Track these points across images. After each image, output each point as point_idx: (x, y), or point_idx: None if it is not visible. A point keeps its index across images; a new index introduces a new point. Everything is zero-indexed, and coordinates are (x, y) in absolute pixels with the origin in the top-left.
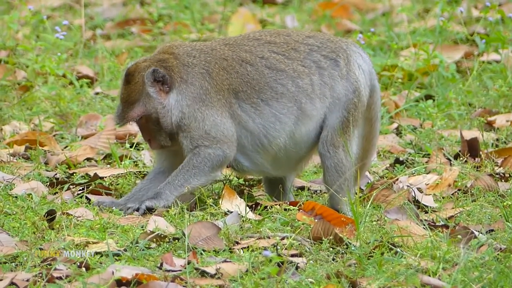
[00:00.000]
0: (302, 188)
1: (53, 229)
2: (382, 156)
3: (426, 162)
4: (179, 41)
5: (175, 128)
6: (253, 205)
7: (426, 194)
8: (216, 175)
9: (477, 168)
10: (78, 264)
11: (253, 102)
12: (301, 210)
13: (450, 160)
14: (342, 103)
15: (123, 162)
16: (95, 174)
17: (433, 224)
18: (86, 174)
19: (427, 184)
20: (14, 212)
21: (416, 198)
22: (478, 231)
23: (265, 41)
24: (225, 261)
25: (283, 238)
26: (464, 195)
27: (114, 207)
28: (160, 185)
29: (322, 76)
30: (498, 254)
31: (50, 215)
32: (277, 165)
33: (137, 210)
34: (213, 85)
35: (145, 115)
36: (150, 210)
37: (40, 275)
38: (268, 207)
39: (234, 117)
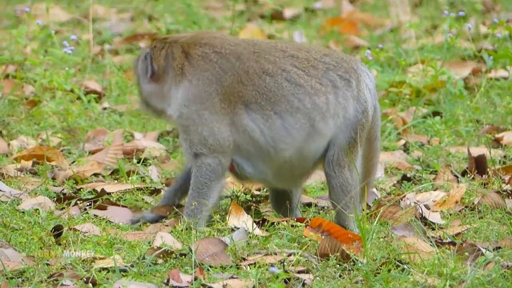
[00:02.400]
0: (309, 205)
1: (60, 244)
2: (389, 172)
3: (434, 179)
4: (211, 37)
5: (175, 124)
6: (260, 221)
7: (434, 211)
8: (223, 184)
9: (484, 185)
10: (85, 279)
11: (265, 114)
12: (308, 227)
13: (458, 177)
14: (351, 124)
15: (130, 178)
16: (102, 190)
17: (440, 241)
18: (93, 189)
19: (434, 201)
20: (21, 227)
21: (423, 215)
22: (485, 248)
23: (289, 54)
24: (232, 277)
25: (290, 255)
26: (471, 212)
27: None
28: (184, 215)
29: (337, 96)
30: (505, 272)
31: (57, 231)
32: (280, 176)
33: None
34: (220, 93)
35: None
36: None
37: None
38: (275, 223)
39: (237, 125)
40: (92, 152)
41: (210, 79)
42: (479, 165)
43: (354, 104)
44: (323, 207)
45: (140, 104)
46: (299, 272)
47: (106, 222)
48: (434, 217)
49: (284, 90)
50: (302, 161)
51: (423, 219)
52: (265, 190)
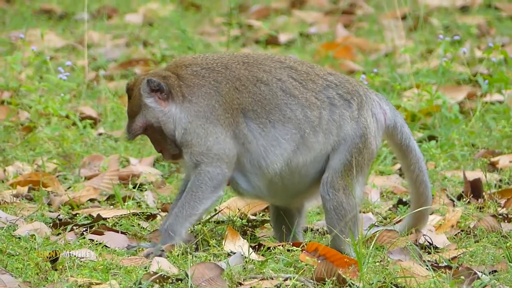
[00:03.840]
0: (305, 229)
1: (56, 270)
2: (385, 196)
3: None
4: (191, 58)
5: (179, 143)
6: (256, 246)
7: (438, 234)
8: (219, 195)
9: (480, 209)
10: None
11: (261, 122)
12: (304, 251)
13: (453, 201)
14: (347, 146)
15: (126, 203)
16: (98, 215)
17: (436, 264)
18: (89, 215)
19: (435, 226)
20: (17, 253)
21: (424, 238)
22: (481, 272)
23: (287, 66)
24: None
25: (286, 279)
26: (467, 236)
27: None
28: (170, 219)
29: (332, 113)
30: None
31: (54, 256)
32: (273, 192)
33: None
34: (222, 103)
35: (147, 125)
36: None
37: None
38: (271, 247)
39: (238, 136)
40: (87, 178)
41: (208, 93)
42: (475, 189)
43: (352, 124)
44: (318, 230)
45: (171, 148)
46: None
47: (102, 247)
48: (439, 240)
49: (278, 99)
50: (291, 175)
51: (418, 243)
52: (261, 215)
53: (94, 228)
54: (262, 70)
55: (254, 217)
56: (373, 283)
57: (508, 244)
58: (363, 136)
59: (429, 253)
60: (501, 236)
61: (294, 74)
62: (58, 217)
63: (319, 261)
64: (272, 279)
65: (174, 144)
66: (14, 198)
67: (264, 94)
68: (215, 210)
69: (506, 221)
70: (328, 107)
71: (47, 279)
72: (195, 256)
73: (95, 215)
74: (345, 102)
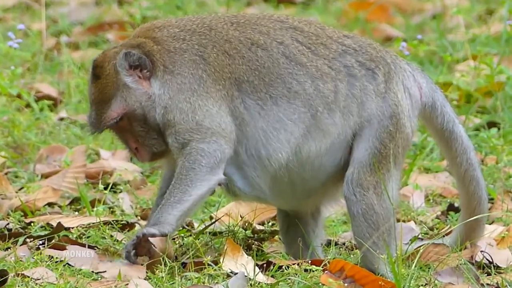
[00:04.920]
0: (328, 243)
1: None
2: (431, 201)
3: (489, 209)
4: (163, 21)
5: (162, 127)
6: (264, 264)
7: (500, 249)
8: (218, 177)
9: None
10: None
11: (260, 98)
12: (326, 271)
13: None
14: (374, 130)
15: (95, 209)
16: (59, 224)
17: None
18: (48, 223)
19: (496, 240)
20: None
21: (474, 257)
22: None
23: (291, 26)
24: None
25: None
26: None
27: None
28: (158, 208)
29: (351, 86)
30: None
31: (1, 277)
32: (278, 191)
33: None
34: (210, 73)
35: (127, 112)
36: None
37: None
38: (283, 266)
39: (234, 115)
40: (45, 176)
41: (193, 59)
42: None
43: (378, 101)
44: (345, 245)
45: (155, 143)
46: None
47: (64, 265)
48: (501, 257)
49: (280, 68)
50: (301, 168)
51: (474, 261)
52: (270, 224)
53: (53, 241)
54: (258, 31)
55: (261, 227)
56: None
57: None
58: (393, 117)
59: (489, 274)
60: None
61: (299, 36)
62: (7, 226)
63: (345, 284)
64: None
65: (160, 136)
66: None
67: (262, 61)
68: (211, 218)
69: None
70: (345, 79)
71: None
72: (185, 278)
73: (54, 224)
74: (368, 72)
